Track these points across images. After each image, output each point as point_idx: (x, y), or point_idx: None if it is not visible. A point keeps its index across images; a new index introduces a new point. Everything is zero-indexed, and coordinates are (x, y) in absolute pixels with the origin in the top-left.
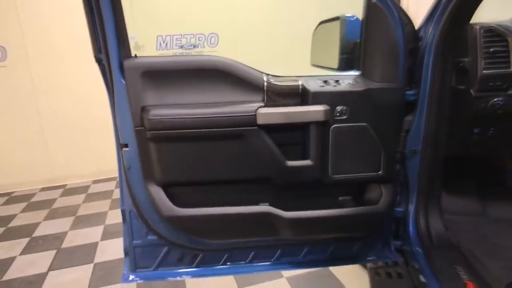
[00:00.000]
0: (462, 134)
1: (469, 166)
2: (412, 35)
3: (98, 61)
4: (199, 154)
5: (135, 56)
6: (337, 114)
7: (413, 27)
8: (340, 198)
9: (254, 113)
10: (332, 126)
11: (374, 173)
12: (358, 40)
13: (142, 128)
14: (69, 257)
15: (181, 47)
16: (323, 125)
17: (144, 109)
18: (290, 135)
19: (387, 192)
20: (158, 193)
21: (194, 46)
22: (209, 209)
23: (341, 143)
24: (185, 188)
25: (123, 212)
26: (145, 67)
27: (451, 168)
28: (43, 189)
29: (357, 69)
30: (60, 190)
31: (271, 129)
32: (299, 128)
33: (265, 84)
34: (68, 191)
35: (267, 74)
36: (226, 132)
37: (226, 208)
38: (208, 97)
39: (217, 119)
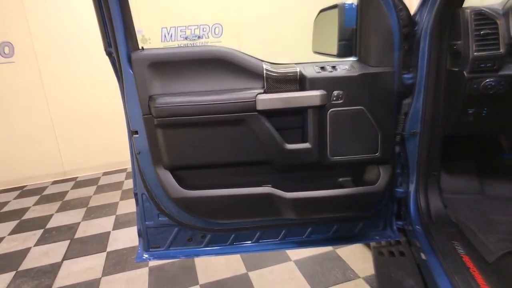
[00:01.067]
0: (457, 114)
1: (468, 147)
2: (408, 20)
3: (108, 54)
4: (203, 139)
5: (142, 48)
6: (334, 99)
7: (408, 12)
8: (340, 180)
9: (253, 99)
10: (329, 110)
11: (372, 155)
12: (355, 27)
13: (150, 115)
14: (83, 247)
15: (186, 38)
16: (320, 109)
17: (151, 98)
18: (289, 119)
19: (385, 173)
20: (166, 176)
21: (199, 37)
22: (214, 190)
23: (339, 126)
24: (192, 171)
25: (135, 195)
26: (151, 58)
27: (450, 148)
28: (54, 182)
29: (355, 55)
30: (71, 183)
31: (270, 114)
32: (297, 113)
33: (265, 71)
34: (79, 184)
35: (267, 62)
36: (228, 117)
37: (230, 189)
38: (211, 85)
39: (219, 106)
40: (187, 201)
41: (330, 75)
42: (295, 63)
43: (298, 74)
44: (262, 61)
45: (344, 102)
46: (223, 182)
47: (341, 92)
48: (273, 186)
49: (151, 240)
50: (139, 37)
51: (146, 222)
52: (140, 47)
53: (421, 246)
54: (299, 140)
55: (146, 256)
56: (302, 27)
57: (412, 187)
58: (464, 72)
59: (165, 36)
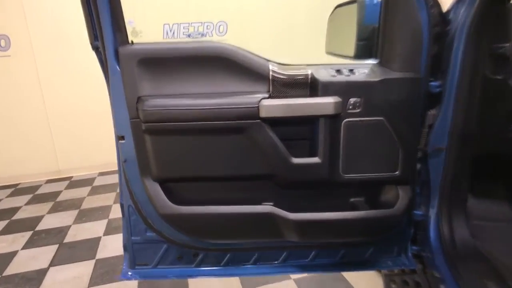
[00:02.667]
0: (496, 131)
1: (500, 167)
2: (439, 18)
3: (95, 48)
4: (197, 148)
5: (132, 42)
6: (350, 107)
7: (440, 9)
8: (352, 200)
9: (256, 105)
10: (344, 120)
11: (390, 173)
12: (377, 25)
13: (138, 119)
14: (71, 253)
15: (189, 35)
16: (333, 119)
17: (140, 100)
18: (297, 129)
19: (404, 195)
20: (154, 188)
21: (202, 35)
22: (207, 207)
23: (354, 139)
24: (183, 184)
25: (122, 206)
26: (142, 54)
27: (479, 168)
28: (48, 181)
29: (375, 57)
30: (66, 182)
31: (275, 122)
32: (307, 122)
33: (271, 73)
34: (74, 184)
35: (274, 62)
36: (226, 125)
37: (226, 207)
38: (209, 87)
39: (217, 111)
40: (178, 218)
41: (346, 80)
42: (306, 65)
43: (309, 77)
44: (269, 61)
45: (362, 112)
46: (218, 198)
47: (358, 99)
48: (274, 205)
49: (137, 257)
50: (129, 29)
51: (132, 237)
52: (129, 41)
53: (443, 278)
54: (307, 153)
55: (131, 273)
56: (314, 25)
57: (433, 211)
58: (510, 82)
59: (167, 33)
